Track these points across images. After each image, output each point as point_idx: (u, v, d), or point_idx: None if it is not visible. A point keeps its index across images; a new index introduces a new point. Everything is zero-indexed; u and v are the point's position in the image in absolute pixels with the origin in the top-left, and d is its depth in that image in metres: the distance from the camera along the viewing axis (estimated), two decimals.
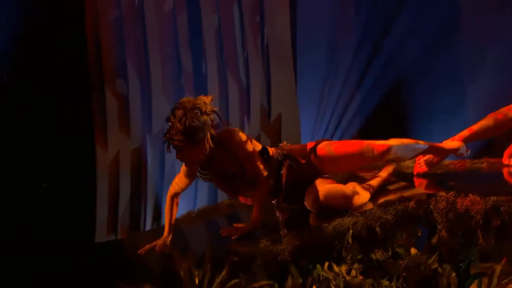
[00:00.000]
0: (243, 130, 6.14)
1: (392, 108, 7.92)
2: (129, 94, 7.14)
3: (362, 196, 4.84)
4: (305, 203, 4.77)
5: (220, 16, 7.12)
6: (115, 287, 4.35)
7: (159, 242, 4.68)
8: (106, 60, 7.08)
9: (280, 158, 4.79)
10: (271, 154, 4.75)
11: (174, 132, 4.39)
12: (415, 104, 7.95)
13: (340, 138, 7.21)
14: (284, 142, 5.00)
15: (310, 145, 4.91)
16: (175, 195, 4.83)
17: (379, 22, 7.85)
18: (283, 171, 4.79)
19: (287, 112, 7.35)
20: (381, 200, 4.88)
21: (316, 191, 4.74)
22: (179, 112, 4.37)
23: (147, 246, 4.67)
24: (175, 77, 7.15)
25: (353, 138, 5.76)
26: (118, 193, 7.30)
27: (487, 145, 7.02)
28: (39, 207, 7.31)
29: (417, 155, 5.07)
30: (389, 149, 4.77)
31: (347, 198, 4.79)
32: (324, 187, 4.78)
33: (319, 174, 4.83)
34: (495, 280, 4.54)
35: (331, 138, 7.32)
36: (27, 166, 7.41)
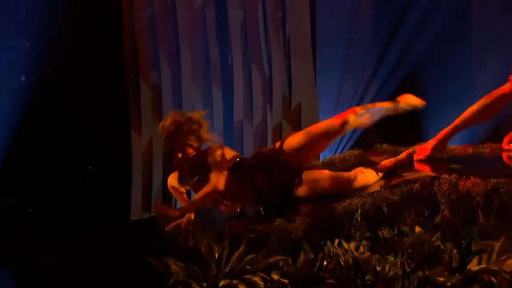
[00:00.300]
0: (266, 118, 7.09)
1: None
2: (161, 85, 7.39)
3: (367, 178, 4.92)
4: (296, 193, 4.92)
5: (245, 12, 7.33)
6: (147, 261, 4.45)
7: (184, 219, 4.84)
8: (141, 55, 7.34)
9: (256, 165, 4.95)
10: (246, 164, 4.90)
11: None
12: (428, 92, 7.96)
13: None
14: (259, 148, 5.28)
15: (277, 145, 5.06)
16: (172, 187, 5.11)
17: (393, 14, 7.88)
18: (257, 179, 4.96)
19: (306, 102, 7.51)
20: (389, 183, 4.92)
21: (302, 181, 4.89)
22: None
23: (173, 224, 4.82)
24: (204, 69, 7.36)
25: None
26: (152, 175, 7.50)
27: (491, 131, 7.09)
28: (81, 188, 7.58)
29: (381, 117, 5.11)
30: (347, 119, 4.87)
31: (338, 183, 4.94)
32: (309, 176, 4.92)
33: (299, 167, 4.94)
34: (494, 256, 4.51)
35: None
36: (74, 150, 7.70)
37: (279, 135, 7.28)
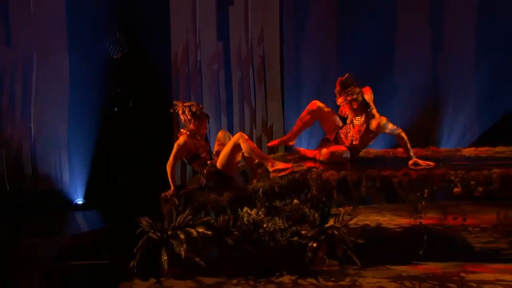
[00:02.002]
0: (252, 133, 8.68)
1: None
2: None
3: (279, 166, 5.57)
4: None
5: (242, 71, 8.82)
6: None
7: (169, 193, 5.57)
8: (181, 92, 8.77)
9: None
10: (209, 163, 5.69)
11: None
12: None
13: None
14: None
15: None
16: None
17: None
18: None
19: (276, 123, 8.88)
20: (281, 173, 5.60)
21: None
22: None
23: (163, 194, 5.57)
24: (217, 104, 8.82)
25: None
26: None
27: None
28: None
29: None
30: (237, 141, 5.53)
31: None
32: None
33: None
34: (340, 218, 5.43)
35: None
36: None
37: (260, 144, 8.57)
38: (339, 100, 5.91)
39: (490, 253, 5.68)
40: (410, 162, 5.62)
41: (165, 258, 5.04)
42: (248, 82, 8.79)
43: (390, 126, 5.73)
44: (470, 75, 9.10)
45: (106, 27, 8.37)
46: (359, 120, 5.88)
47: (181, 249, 5.05)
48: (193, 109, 5.71)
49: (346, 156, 5.85)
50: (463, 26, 8.92)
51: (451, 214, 5.76)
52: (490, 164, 5.59)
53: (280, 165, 5.55)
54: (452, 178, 5.32)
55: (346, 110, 5.96)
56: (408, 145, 5.70)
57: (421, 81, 9.09)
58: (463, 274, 5.15)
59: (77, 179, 8.40)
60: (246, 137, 5.60)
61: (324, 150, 5.87)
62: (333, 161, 5.79)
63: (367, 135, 5.87)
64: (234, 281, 5.01)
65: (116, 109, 8.56)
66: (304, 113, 6.12)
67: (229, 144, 5.64)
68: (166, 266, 5.02)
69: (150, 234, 5.12)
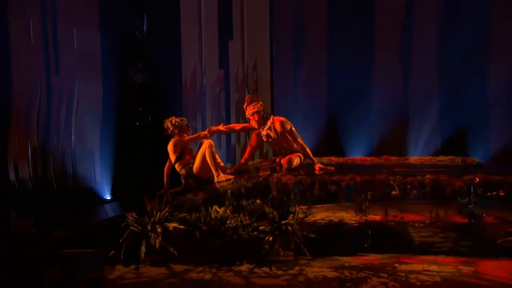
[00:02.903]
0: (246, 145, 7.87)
1: None
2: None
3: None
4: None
5: (239, 93, 8.38)
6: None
7: (162, 191, 5.38)
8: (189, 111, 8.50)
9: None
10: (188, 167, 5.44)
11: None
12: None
13: None
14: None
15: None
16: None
17: None
18: None
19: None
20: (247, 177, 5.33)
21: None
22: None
23: (157, 193, 5.31)
24: (218, 119, 8.17)
25: None
26: None
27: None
28: None
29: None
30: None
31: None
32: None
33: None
34: (296, 215, 5.07)
35: None
36: None
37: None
38: (247, 113, 5.52)
39: (426, 246, 5.23)
40: (316, 166, 5.30)
41: (143, 248, 4.75)
42: (243, 101, 8.38)
43: (293, 129, 5.36)
44: (432, 96, 8.71)
45: (131, 59, 8.28)
46: (266, 130, 5.45)
47: (156, 241, 4.76)
48: (173, 122, 5.51)
49: (297, 162, 5.38)
50: (427, 58, 8.56)
51: (391, 213, 5.34)
52: (426, 171, 5.23)
53: (222, 177, 5.32)
54: (391, 182, 4.99)
55: (253, 123, 5.51)
56: (309, 152, 5.35)
57: (394, 101, 8.69)
58: (396, 265, 4.74)
59: (105, 179, 8.28)
60: (212, 147, 5.34)
61: (284, 160, 5.43)
62: (290, 168, 5.35)
63: (283, 137, 5.40)
64: (200, 268, 4.69)
65: (137, 124, 8.39)
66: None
67: (200, 151, 5.40)
68: (143, 255, 4.74)
69: (133, 227, 4.85)
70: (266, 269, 4.66)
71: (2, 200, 7.56)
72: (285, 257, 4.88)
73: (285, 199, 5.09)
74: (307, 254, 4.84)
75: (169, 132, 5.52)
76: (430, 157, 6.27)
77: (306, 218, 5.12)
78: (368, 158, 6.01)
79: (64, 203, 7.53)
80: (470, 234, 5.38)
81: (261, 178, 5.19)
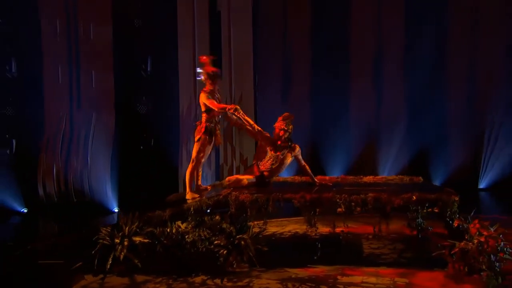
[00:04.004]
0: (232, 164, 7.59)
1: None
2: None
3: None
4: None
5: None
6: None
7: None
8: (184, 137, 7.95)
9: None
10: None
11: None
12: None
13: None
14: None
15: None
16: None
17: None
18: None
19: (250, 156, 7.77)
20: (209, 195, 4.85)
21: None
22: None
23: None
24: None
25: None
26: None
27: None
28: None
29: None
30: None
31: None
32: None
33: None
34: (252, 229, 4.49)
35: None
36: None
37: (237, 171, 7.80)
38: (277, 124, 5.18)
39: (372, 257, 4.55)
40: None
41: (110, 260, 4.20)
42: (231, 128, 7.83)
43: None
44: (399, 120, 8.31)
45: (137, 91, 8.02)
46: (282, 150, 5.13)
47: (121, 253, 4.20)
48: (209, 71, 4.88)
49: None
50: (395, 85, 8.24)
51: (338, 227, 4.77)
52: (371, 189, 4.57)
53: (189, 195, 4.87)
54: (337, 200, 4.42)
55: (275, 135, 5.17)
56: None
57: (367, 119, 8.35)
58: (339, 277, 4.05)
59: (114, 194, 7.84)
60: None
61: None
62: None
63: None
64: (159, 279, 4.10)
65: (141, 147, 7.98)
66: None
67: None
68: (108, 266, 4.18)
69: (103, 241, 4.34)
70: (218, 281, 4.04)
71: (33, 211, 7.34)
72: (241, 269, 4.27)
73: (244, 215, 4.59)
74: (257, 266, 4.22)
75: (203, 80, 4.94)
76: (382, 176, 5.73)
77: (262, 232, 4.56)
78: (327, 178, 5.51)
79: (77, 215, 7.22)
80: (414, 246, 4.72)
81: (221, 196, 4.67)
